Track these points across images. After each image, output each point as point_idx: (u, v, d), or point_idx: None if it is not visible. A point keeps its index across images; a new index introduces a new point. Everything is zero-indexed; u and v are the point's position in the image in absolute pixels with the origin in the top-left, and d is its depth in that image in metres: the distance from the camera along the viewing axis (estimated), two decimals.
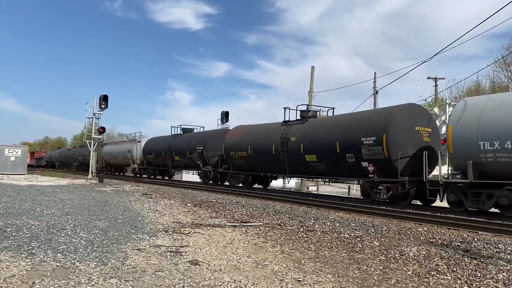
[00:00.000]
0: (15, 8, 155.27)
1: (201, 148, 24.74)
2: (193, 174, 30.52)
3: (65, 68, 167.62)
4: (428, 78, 34.89)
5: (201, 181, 26.61)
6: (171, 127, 33.78)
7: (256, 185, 22.50)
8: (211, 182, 24.56)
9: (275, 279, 5.11)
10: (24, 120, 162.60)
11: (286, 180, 20.08)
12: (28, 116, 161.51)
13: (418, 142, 13.63)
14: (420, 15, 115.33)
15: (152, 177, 31.74)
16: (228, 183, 23.04)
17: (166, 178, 32.00)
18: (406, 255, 6.68)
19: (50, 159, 68.52)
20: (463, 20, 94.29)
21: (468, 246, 7.24)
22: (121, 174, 41.46)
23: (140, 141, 34.14)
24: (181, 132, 29.47)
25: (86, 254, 5.96)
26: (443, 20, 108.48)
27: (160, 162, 29.91)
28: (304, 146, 16.76)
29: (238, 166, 21.45)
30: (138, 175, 34.45)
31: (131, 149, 34.66)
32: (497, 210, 11.05)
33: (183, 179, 35.28)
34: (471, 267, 5.89)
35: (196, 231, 8.52)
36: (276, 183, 25.15)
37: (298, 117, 18.89)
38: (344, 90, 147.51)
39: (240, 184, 21.77)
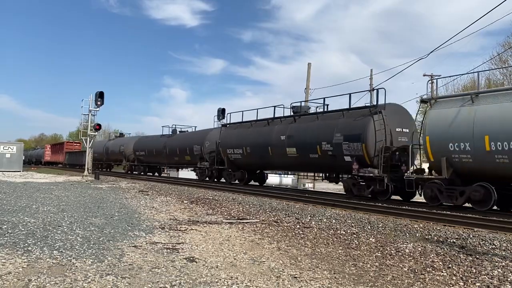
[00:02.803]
0: (8, 4, 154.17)
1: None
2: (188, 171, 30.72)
3: (60, 64, 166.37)
4: (424, 75, 34.87)
5: (196, 178, 26.80)
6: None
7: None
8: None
9: (272, 276, 5.12)
10: (18, 117, 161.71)
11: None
12: (23, 113, 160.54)
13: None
14: (415, 12, 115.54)
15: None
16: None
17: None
18: (402, 251, 6.71)
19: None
20: (458, 17, 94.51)
21: (464, 243, 7.28)
22: None
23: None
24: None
25: (82, 251, 5.95)
26: (438, 17, 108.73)
27: None
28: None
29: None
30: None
31: None
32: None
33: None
34: (466, 263, 5.92)
35: (193, 228, 8.52)
36: (273, 180, 25.26)
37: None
38: (340, 87, 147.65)
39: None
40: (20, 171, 33.76)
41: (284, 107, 19.97)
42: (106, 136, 72.01)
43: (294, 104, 19.34)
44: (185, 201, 13.91)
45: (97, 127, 29.57)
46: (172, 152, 28.05)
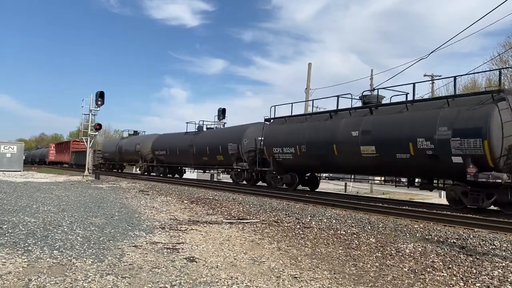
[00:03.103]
0: (8, 4, 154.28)
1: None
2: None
3: (60, 64, 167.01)
4: (425, 75, 34.91)
5: (195, 178, 25.90)
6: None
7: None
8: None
9: (272, 276, 5.12)
10: (18, 117, 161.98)
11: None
12: (23, 113, 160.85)
13: None
14: (415, 12, 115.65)
15: None
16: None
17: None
18: (402, 251, 6.70)
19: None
20: (458, 17, 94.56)
21: (464, 243, 7.28)
22: None
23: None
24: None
25: (82, 251, 5.95)
26: (438, 17, 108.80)
27: None
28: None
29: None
30: None
31: None
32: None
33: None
34: (466, 263, 5.92)
35: (193, 228, 8.52)
36: None
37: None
38: (341, 87, 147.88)
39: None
40: (20, 171, 33.78)
41: (351, 98, 16.36)
42: (106, 136, 72.05)
43: (366, 93, 15.92)
44: (185, 201, 13.91)
45: (98, 127, 29.65)
46: (201, 151, 24.64)
